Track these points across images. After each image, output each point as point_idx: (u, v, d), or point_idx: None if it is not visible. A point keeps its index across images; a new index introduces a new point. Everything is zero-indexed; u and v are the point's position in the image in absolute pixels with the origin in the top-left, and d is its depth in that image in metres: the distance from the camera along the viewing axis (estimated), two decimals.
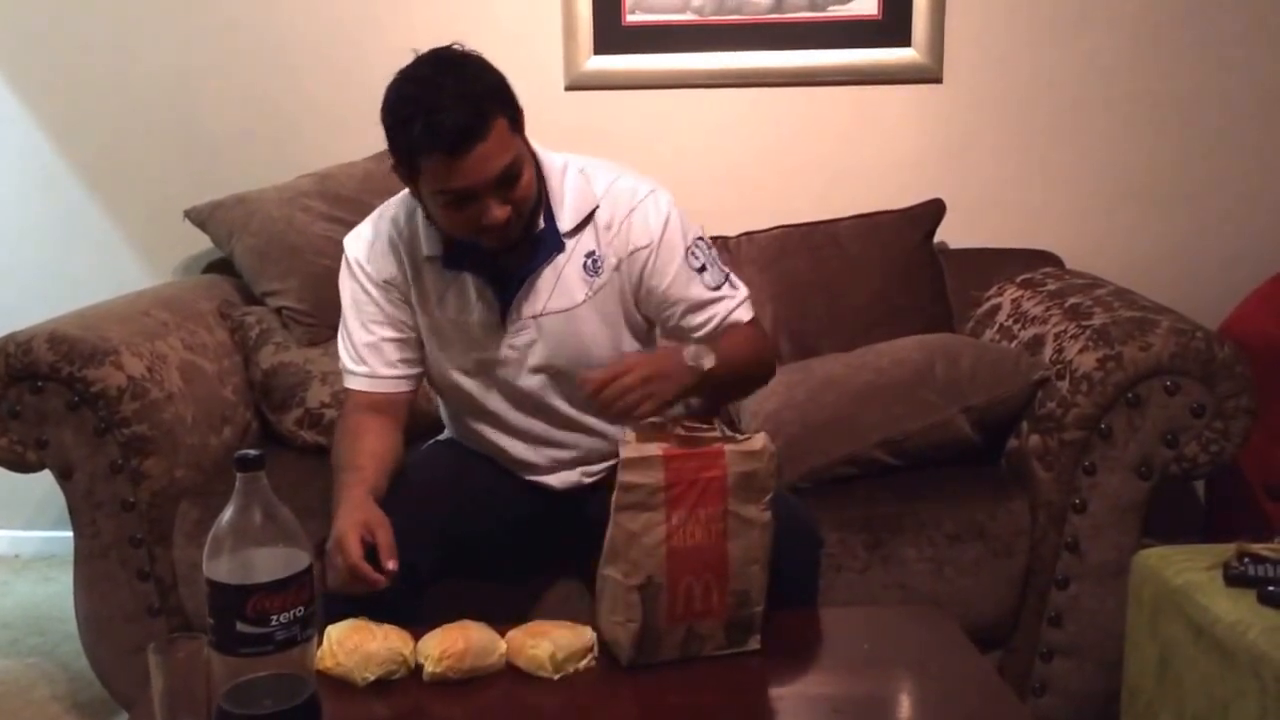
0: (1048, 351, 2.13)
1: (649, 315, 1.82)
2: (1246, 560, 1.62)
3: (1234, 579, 1.60)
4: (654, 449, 1.47)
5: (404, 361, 1.79)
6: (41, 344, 2.04)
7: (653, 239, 1.75)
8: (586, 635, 1.51)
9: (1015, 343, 2.26)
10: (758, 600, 1.53)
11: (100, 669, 2.20)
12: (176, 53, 2.82)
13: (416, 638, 1.49)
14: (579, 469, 1.88)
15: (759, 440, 1.51)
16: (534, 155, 1.70)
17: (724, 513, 1.49)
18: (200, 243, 2.70)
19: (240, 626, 1.20)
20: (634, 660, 1.49)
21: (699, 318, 1.77)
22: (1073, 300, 2.25)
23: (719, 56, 2.76)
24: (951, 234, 2.68)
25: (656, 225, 1.75)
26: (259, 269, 2.53)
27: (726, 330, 1.77)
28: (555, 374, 1.78)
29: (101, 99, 2.86)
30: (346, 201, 2.54)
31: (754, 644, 1.54)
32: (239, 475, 1.21)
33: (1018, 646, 2.10)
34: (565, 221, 1.73)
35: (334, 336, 1.86)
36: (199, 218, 2.60)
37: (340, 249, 1.82)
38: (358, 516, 1.53)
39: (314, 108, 2.82)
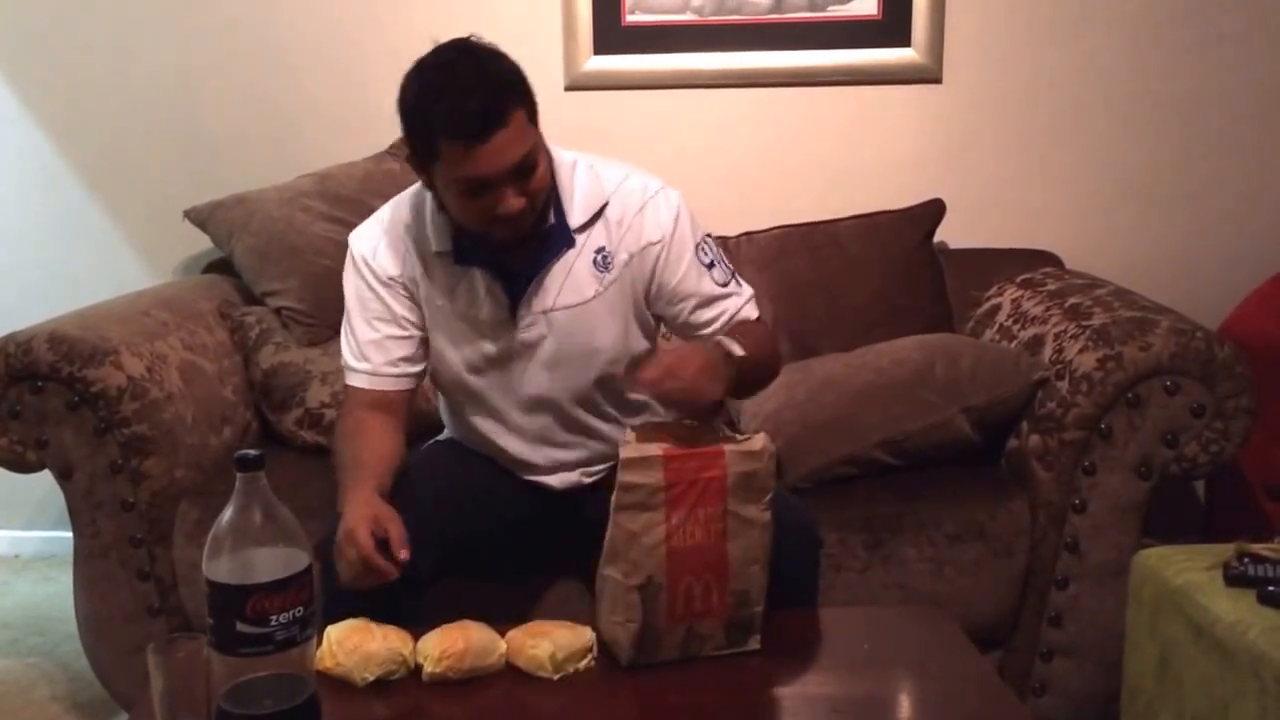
0: (1048, 351, 2.13)
1: (659, 312, 1.82)
2: (1246, 560, 1.62)
3: (1234, 579, 1.60)
4: (654, 449, 1.47)
5: (406, 359, 1.79)
6: (41, 344, 2.04)
7: (665, 234, 1.75)
8: (586, 635, 1.51)
9: (1015, 343, 2.26)
10: (758, 600, 1.53)
11: (100, 669, 2.20)
12: (176, 53, 2.82)
13: (416, 638, 1.49)
14: (579, 470, 1.88)
15: (759, 440, 1.51)
16: (546, 149, 1.70)
17: (724, 513, 1.48)
18: (200, 243, 2.70)
19: (240, 626, 1.20)
20: (634, 660, 1.49)
21: (709, 313, 1.78)
22: (1073, 300, 2.25)
23: (719, 57, 2.75)
24: (951, 234, 2.68)
25: (668, 221, 1.75)
26: (259, 269, 2.53)
27: (738, 326, 1.77)
28: (562, 372, 1.78)
29: (101, 99, 2.86)
30: (346, 201, 2.54)
31: (754, 644, 1.54)
32: (239, 475, 1.21)
33: (1018, 646, 2.10)
34: (575, 217, 1.73)
35: (334, 337, 1.86)
36: (199, 218, 2.60)
37: (340, 249, 1.82)
38: (366, 511, 1.53)
39: (314, 108, 2.82)
